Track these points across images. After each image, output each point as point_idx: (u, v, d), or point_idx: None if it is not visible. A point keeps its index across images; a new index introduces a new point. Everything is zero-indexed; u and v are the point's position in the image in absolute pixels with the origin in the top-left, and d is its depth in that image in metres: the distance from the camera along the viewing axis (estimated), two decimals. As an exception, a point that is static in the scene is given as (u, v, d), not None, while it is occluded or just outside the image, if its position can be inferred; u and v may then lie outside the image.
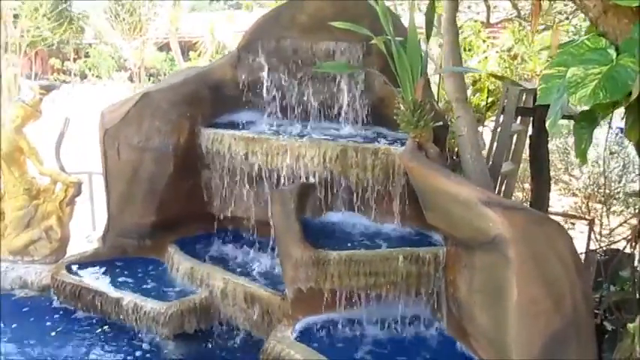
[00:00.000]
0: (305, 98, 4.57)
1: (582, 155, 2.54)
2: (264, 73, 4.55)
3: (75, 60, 27.76)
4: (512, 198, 5.78)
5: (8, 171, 4.76)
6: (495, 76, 6.09)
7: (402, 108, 3.48)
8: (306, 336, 3.53)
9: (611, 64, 2.22)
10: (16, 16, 18.67)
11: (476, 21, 8.16)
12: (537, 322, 2.76)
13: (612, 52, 2.26)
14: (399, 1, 8.88)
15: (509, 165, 5.37)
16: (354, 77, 4.32)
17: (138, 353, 3.94)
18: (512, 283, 2.80)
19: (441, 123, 3.62)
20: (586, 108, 2.41)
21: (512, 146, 5.40)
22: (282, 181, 4.09)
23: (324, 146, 3.87)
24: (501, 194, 5.33)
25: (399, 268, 3.48)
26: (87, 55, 28.06)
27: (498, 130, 4.98)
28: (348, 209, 4.05)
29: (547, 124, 2.48)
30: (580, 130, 2.52)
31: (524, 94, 4.96)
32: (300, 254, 3.45)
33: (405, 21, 4.03)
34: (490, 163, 4.96)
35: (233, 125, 4.55)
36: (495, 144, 4.99)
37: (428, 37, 3.58)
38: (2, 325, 4.36)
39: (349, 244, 3.72)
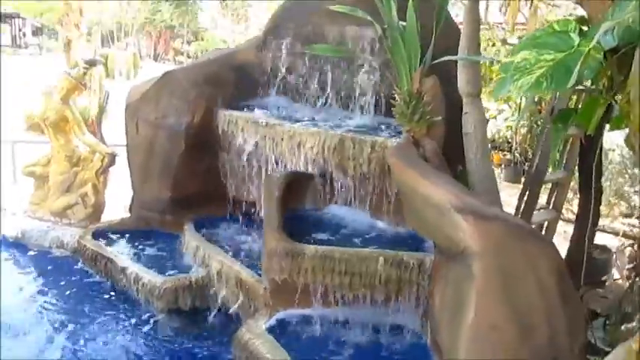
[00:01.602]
0: (325, 85, 4.41)
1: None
2: (288, 58, 4.46)
3: (190, 43, 29.50)
4: (564, 209, 5.18)
5: (54, 138, 5.13)
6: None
7: (397, 99, 3.21)
8: (278, 329, 3.42)
9: (570, 50, 1.84)
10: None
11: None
12: (495, 350, 2.42)
13: (576, 37, 1.87)
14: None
15: (560, 173, 4.81)
16: (372, 66, 4.08)
17: (132, 321, 4.06)
18: (470, 301, 2.48)
19: (439, 118, 3.29)
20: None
21: (566, 153, 4.82)
22: (288, 168, 3.99)
23: (324, 135, 3.70)
24: (551, 205, 4.81)
25: (377, 271, 3.25)
26: (202, 39, 29.69)
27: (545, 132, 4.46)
28: (347, 203, 3.85)
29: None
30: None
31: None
32: (275, 244, 3.34)
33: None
34: (533, 169, 4.47)
35: (253, 108, 4.51)
36: (540, 149, 4.47)
37: (438, 23, 3.27)
38: (35, 277, 4.76)
39: (334, 239, 3.54)
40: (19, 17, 35.15)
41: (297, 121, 4.08)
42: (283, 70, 4.56)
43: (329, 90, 4.32)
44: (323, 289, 3.35)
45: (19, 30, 36.97)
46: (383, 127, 3.94)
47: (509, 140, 10.03)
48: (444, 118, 3.52)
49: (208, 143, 4.48)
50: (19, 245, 5.20)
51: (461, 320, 2.51)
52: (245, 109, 4.45)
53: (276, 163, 4.09)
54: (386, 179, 3.54)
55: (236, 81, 4.56)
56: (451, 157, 3.46)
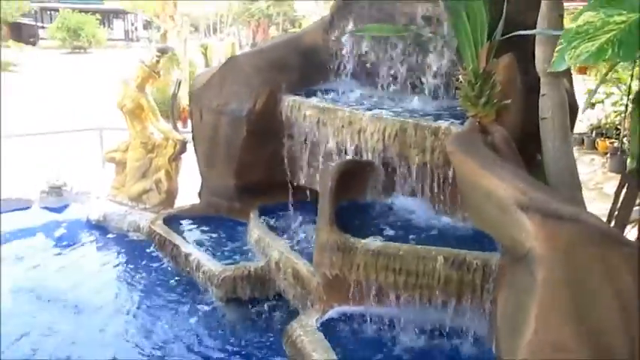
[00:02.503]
0: (395, 68, 4.11)
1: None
2: (356, 40, 4.21)
3: (286, 31, 29.95)
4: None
5: (131, 125, 5.28)
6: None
7: (462, 80, 2.87)
8: (329, 326, 3.24)
9: (652, 9, 1.44)
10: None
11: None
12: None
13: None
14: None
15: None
16: (443, 46, 3.72)
17: (192, 307, 4.06)
18: (531, 316, 2.12)
19: (509, 102, 2.89)
20: None
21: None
22: (349, 156, 3.77)
23: (384, 122, 3.43)
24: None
25: (436, 271, 2.95)
26: (299, 26, 30.02)
27: None
28: (410, 195, 3.55)
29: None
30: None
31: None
32: (326, 237, 3.15)
33: None
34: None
35: (320, 93, 4.32)
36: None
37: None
38: (112, 259, 4.97)
39: (392, 234, 3.27)
40: (131, 13, 37.60)
41: (364, 106, 3.81)
42: (351, 52, 4.32)
43: (399, 73, 4.01)
44: (376, 286, 3.11)
45: (132, 25, 39.70)
46: (455, 112, 3.58)
47: (618, 127, 9.02)
48: (521, 103, 3.12)
49: (272, 130, 4.35)
50: (100, 227, 5.46)
51: (520, 336, 2.17)
52: (311, 95, 4.27)
53: (338, 151, 3.87)
54: (451, 169, 3.20)
55: (302, 65, 4.38)
56: (530, 147, 3.06)
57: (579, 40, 1.49)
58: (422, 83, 3.93)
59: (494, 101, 2.80)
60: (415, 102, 3.88)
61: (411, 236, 3.24)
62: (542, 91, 2.95)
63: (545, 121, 2.93)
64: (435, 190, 3.36)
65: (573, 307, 2.10)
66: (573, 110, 3.44)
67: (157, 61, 5.08)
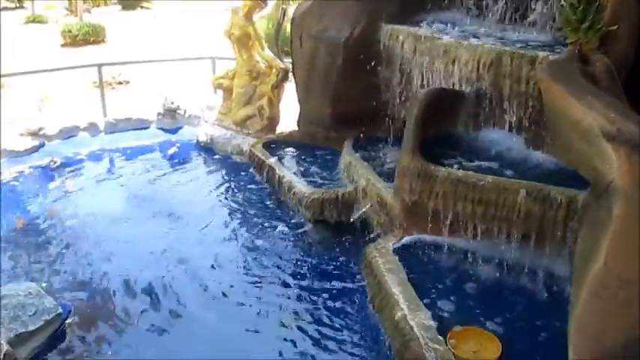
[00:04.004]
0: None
1: None
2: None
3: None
4: None
5: (238, 53, 5.53)
6: None
7: (563, 3, 2.67)
8: (405, 251, 3.32)
9: None
10: None
11: None
12: (625, 313, 1.97)
13: None
14: None
15: None
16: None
17: (283, 226, 4.33)
18: (601, 248, 2.04)
19: (615, 27, 2.64)
20: None
21: None
22: (442, 85, 3.69)
23: (480, 50, 3.29)
24: None
25: (517, 204, 2.87)
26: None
27: None
28: (503, 128, 3.43)
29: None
30: None
31: None
32: (407, 163, 3.17)
33: None
34: None
35: (424, 24, 4.19)
36: None
37: None
38: (216, 178, 5.39)
39: (478, 166, 3.20)
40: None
41: (463, 36, 3.67)
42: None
43: (501, 3, 3.78)
44: (455, 216, 3.10)
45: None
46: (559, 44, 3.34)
47: None
48: (636, 33, 2.83)
49: (369, 59, 4.34)
50: (208, 149, 5.91)
51: (590, 267, 2.10)
52: (414, 25, 4.17)
53: (433, 81, 3.80)
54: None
55: (404, -6, 4.27)
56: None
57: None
58: (532, 14, 3.67)
59: (599, 27, 2.58)
60: (522, 33, 3.65)
61: (496, 169, 3.16)
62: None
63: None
64: (528, 124, 3.22)
65: (649, 244, 1.98)
66: None
67: (264, -11, 5.22)
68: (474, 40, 3.45)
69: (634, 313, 1.97)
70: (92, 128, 6.19)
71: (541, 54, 2.99)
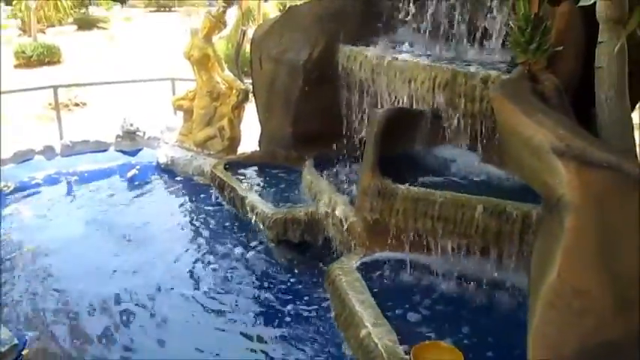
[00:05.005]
0: (455, 19, 4.00)
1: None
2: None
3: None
4: None
5: (198, 75, 5.52)
6: None
7: (512, 26, 2.79)
8: (368, 269, 3.35)
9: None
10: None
11: None
12: (580, 322, 2.05)
13: None
14: None
15: None
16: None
17: (246, 246, 4.31)
18: (555, 260, 2.12)
19: (561, 48, 2.78)
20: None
21: None
22: (400, 104, 3.78)
23: (435, 70, 3.40)
24: None
25: (474, 219, 2.95)
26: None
27: None
28: (458, 145, 3.53)
29: None
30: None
31: None
32: (368, 182, 3.23)
33: None
34: None
35: (380, 43, 4.30)
36: None
37: None
38: (177, 199, 5.32)
39: (436, 182, 3.28)
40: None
41: (419, 56, 3.77)
42: (412, 4, 4.24)
43: (460, 24, 3.91)
44: (414, 233, 3.16)
45: (214, -18, 40.39)
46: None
47: None
48: (581, 53, 2.98)
49: (328, 79, 4.41)
50: (169, 171, 5.83)
51: (545, 279, 2.17)
52: (369, 45, 4.27)
53: (391, 101, 3.89)
54: (499, 120, 3.14)
55: (362, 15, 4.38)
56: (588, 99, 2.94)
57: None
58: (484, 36, 3.81)
59: (545, 48, 2.71)
60: (477, 54, 3.79)
61: (454, 185, 3.25)
62: (599, 38, 2.81)
63: (599, 71, 2.80)
64: (484, 141, 3.32)
65: (598, 255, 2.08)
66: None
67: (223, 12, 5.24)
68: (430, 61, 3.55)
69: (589, 323, 2.06)
70: (48, 151, 6.03)
71: (493, 74, 3.12)
